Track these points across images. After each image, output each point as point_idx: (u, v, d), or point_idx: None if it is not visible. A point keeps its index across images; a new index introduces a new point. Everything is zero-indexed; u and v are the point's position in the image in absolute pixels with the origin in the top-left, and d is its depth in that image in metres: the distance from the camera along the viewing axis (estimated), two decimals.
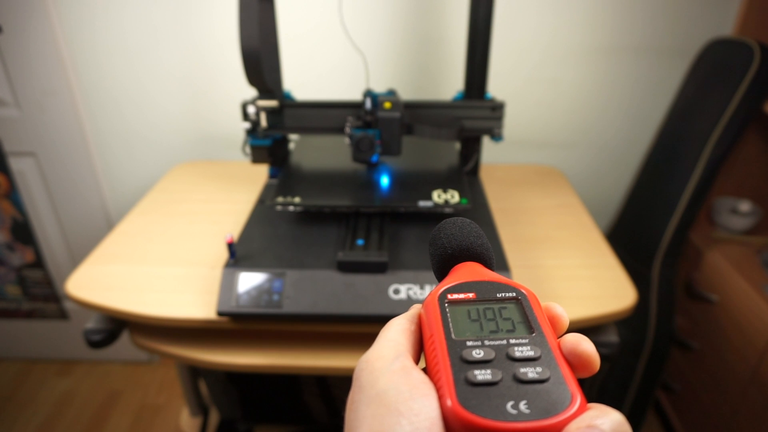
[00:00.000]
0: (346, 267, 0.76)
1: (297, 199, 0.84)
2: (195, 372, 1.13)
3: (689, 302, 1.19)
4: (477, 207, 0.94)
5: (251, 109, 0.89)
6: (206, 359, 0.79)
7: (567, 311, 0.28)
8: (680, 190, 1.09)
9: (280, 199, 0.83)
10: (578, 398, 0.22)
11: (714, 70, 1.08)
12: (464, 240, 0.32)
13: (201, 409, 1.19)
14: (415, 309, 0.29)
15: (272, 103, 0.89)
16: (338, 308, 0.74)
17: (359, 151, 0.85)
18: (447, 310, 0.27)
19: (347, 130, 0.87)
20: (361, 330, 0.79)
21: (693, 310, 1.18)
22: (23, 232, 1.40)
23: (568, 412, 0.21)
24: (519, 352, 0.24)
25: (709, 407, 1.14)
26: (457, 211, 0.84)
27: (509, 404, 0.22)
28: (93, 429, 1.42)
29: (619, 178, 1.33)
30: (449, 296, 0.28)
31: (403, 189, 0.89)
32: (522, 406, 0.21)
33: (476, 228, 0.33)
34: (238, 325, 0.77)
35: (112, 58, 1.19)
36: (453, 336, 0.25)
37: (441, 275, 0.32)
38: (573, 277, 0.85)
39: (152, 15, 1.14)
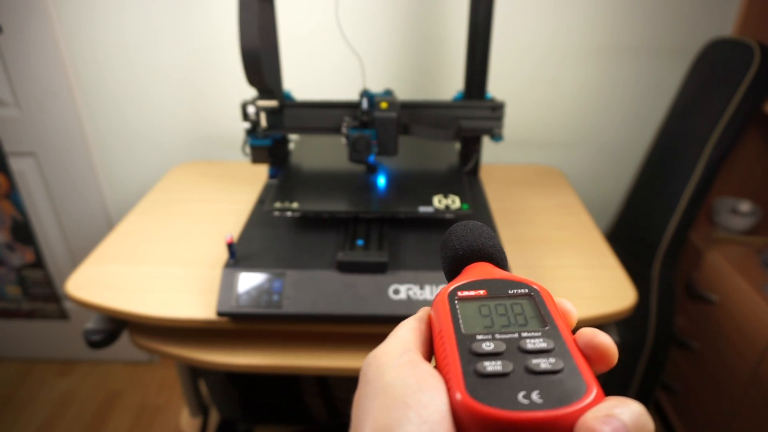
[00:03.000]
0: (346, 267, 0.76)
1: (295, 205, 0.83)
2: (195, 372, 1.13)
3: (689, 302, 1.19)
4: (477, 207, 0.94)
5: (251, 109, 0.89)
6: (206, 359, 0.79)
7: None
8: (680, 190, 1.09)
9: (278, 205, 0.83)
10: (594, 388, 0.21)
11: (714, 70, 1.08)
12: (476, 241, 0.31)
13: (201, 409, 1.19)
14: (425, 311, 0.29)
15: (272, 103, 0.89)
16: (338, 308, 0.74)
17: (355, 151, 0.85)
18: (457, 306, 0.26)
19: (344, 130, 0.87)
20: (361, 330, 0.79)
21: (693, 310, 1.18)
22: (23, 232, 1.40)
23: (583, 401, 0.20)
24: (531, 344, 0.23)
25: (709, 407, 1.14)
26: (458, 216, 0.83)
27: (521, 394, 0.21)
28: (93, 429, 1.42)
29: (619, 178, 1.33)
30: (459, 293, 0.27)
31: (403, 193, 0.88)
32: (534, 395, 0.21)
33: (488, 230, 0.32)
34: (238, 325, 0.77)
35: (112, 58, 1.19)
36: (462, 330, 0.25)
37: (452, 277, 0.31)
38: (573, 277, 0.85)
39: (152, 15, 1.14)
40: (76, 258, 1.43)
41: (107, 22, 1.15)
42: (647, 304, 1.16)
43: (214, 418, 1.21)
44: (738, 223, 1.18)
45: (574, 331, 0.25)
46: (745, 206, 1.17)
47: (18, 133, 1.26)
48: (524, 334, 0.24)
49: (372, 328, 0.78)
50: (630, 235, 1.23)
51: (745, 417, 1.02)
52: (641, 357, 1.19)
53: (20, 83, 1.20)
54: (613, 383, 1.23)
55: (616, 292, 0.82)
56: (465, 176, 0.95)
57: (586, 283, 0.84)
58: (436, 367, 0.25)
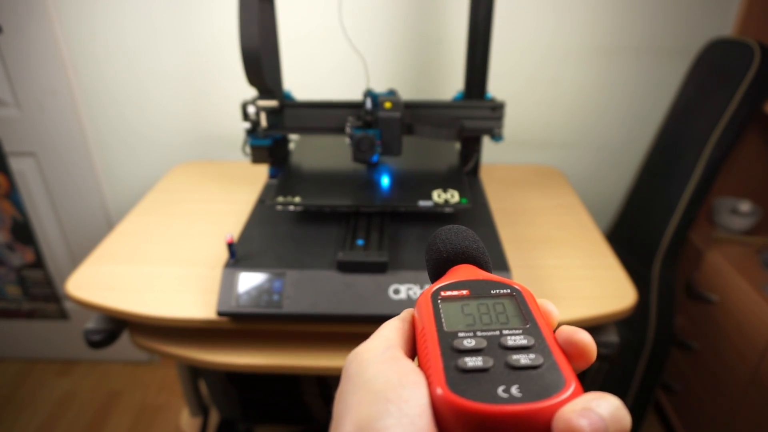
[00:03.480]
0: (346, 267, 0.76)
1: (297, 199, 0.83)
2: (195, 372, 1.13)
3: (689, 302, 1.19)
4: (477, 207, 0.94)
5: (251, 109, 0.89)
6: (206, 359, 0.79)
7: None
8: (680, 190, 1.09)
9: (280, 199, 0.83)
10: (573, 383, 0.21)
11: (714, 70, 1.08)
12: (460, 244, 0.31)
13: (201, 409, 1.19)
14: (409, 311, 0.29)
15: (272, 103, 0.89)
16: (338, 308, 0.74)
17: (359, 151, 0.85)
18: (440, 305, 0.27)
19: (348, 130, 0.87)
20: (361, 330, 0.79)
21: (693, 310, 1.18)
22: (23, 232, 1.40)
23: (561, 395, 0.21)
24: (512, 340, 0.24)
25: (709, 407, 1.14)
26: (457, 210, 0.84)
27: (500, 388, 0.21)
28: (93, 429, 1.42)
29: (619, 178, 1.33)
30: (442, 293, 0.28)
31: (403, 189, 0.89)
32: (513, 390, 0.21)
33: (472, 233, 0.32)
34: (238, 325, 0.77)
35: (112, 58, 1.19)
36: (444, 328, 0.25)
37: (436, 278, 0.32)
38: (573, 277, 0.85)
39: (152, 15, 1.14)
40: (76, 258, 1.43)
41: (107, 22, 1.15)
42: (647, 304, 1.16)
43: (214, 418, 1.21)
44: (738, 223, 1.18)
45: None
46: (745, 206, 1.17)
47: (18, 133, 1.26)
48: (505, 332, 0.24)
49: (372, 328, 0.77)
50: (630, 235, 1.23)
51: (745, 417, 1.02)
52: (641, 357, 1.19)
53: (20, 83, 1.20)
54: (613, 383, 1.23)
55: (616, 292, 0.82)
56: (464, 173, 0.95)
57: (586, 283, 0.84)
58: (418, 364, 0.25)
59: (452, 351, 0.23)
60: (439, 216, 0.90)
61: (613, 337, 0.80)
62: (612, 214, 1.37)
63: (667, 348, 1.18)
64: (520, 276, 0.84)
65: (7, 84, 1.20)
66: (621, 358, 1.21)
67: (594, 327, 0.81)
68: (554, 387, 0.21)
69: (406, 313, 0.29)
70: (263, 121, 0.91)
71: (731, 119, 1.03)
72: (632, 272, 1.10)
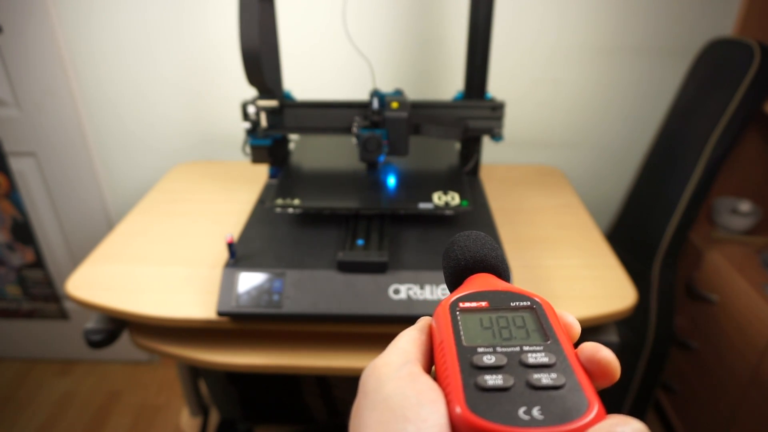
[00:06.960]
0: (346, 267, 0.76)
1: (296, 201, 0.83)
2: (195, 372, 1.13)
3: (689, 302, 1.19)
4: (477, 207, 0.94)
5: (251, 109, 0.89)
6: (206, 359, 0.79)
7: (567, 311, 0.28)
8: (680, 190, 1.09)
9: (279, 201, 0.83)
10: (596, 405, 0.21)
11: (714, 70, 1.08)
12: (478, 252, 0.31)
13: (201, 409, 1.19)
14: (426, 321, 0.29)
15: (272, 103, 0.89)
16: (338, 308, 0.74)
17: (366, 151, 0.84)
18: (458, 317, 0.26)
19: (354, 129, 0.87)
20: (361, 330, 0.79)
21: (693, 310, 1.18)
22: (23, 232, 1.40)
23: (584, 418, 0.20)
24: (533, 358, 0.23)
25: (709, 407, 1.14)
26: (458, 213, 0.83)
27: (521, 410, 0.21)
28: (93, 429, 1.42)
29: (619, 178, 1.33)
30: (461, 305, 0.27)
31: (403, 190, 0.89)
32: (535, 411, 0.21)
33: (491, 240, 0.32)
34: (238, 325, 0.77)
35: (112, 58, 1.19)
36: (464, 342, 0.25)
37: (454, 287, 0.31)
38: (573, 277, 0.85)
39: (152, 15, 1.14)
40: (76, 258, 1.43)
41: (107, 22, 1.15)
42: (647, 304, 1.16)
43: (214, 418, 1.21)
44: (738, 223, 1.18)
45: (576, 344, 0.25)
46: (745, 206, 1.17)
47: (18, 133, 1.26)
48: (526, 348, 0.24)
49: (372, 328, 0.78)
50: (630, 235, 1.23)
51: (745, 417, 1.02)
52: (641, 357, 1.19)
53: (20, 83, 1.20)
54: (613, 384, 1.23)
55: (617, 291, 0.82)
56: (464, 174, 0.95)
57: (586, 283, 0.84)
58: (435, 378, 0.24)
59: (471, 367, 0.23)
60: (439, 219, 0.89)
61: (613, 337, 0.80)
62: (612, 214, 1.37)
63: (667, 348, 1.18)
64: (520, 276, 0.84)
65: (7, 84, 1.20)
66: (621, 358, 1.20)
67: (594, 327, 0.81)
68: (577, 409, 0.21)
69: (423, 323, 0.28)
70: (263, 121, 0.91)
71: (731, 119, 1.03)
72: (632, 272, 1.10)
